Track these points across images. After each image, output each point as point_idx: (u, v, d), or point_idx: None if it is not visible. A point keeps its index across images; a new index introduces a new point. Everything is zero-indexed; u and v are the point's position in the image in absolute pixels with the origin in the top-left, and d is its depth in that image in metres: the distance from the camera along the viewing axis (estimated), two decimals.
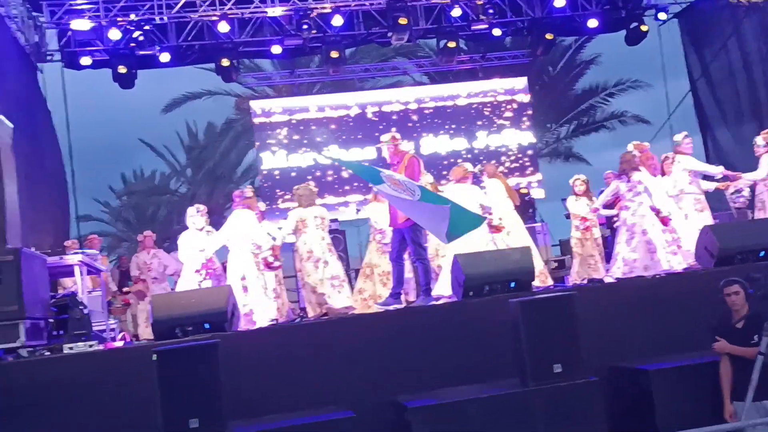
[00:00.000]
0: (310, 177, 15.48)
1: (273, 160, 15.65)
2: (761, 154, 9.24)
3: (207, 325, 6.62)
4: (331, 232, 11.34)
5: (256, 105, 16.62)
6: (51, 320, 7.12)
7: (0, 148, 6.74)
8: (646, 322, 6.41)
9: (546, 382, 5.57)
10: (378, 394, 6.05)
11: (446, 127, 16.30)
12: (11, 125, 7.16)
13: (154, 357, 5.39)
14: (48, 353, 6.81)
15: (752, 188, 9.45)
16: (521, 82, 16.66)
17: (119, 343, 8.01)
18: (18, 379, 6.10)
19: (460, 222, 6.95)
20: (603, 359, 6.06)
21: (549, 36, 15.41)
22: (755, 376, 5.16)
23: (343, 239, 11.74)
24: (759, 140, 9.35)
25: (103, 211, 32.24)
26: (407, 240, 7.77)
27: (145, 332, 10.62)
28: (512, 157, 16.36)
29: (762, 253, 7.21)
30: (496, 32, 15.15)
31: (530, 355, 5.61)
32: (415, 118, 16.26)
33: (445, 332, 6.55)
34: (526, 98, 16.60)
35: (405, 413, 5.51)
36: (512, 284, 6.97)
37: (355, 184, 15.66)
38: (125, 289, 11.72)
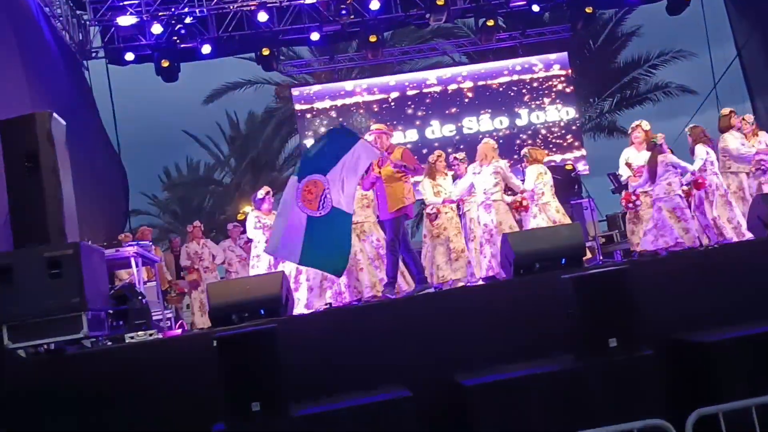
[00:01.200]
0: None
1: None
2: None
3: (262, 311, 6.74)
4: None
5: (296, 92, 16.70)
6: (111, 311, 7.31)
7: (56, 145, 6.90)
8: (702, 293, 6.33)
9: (602, 357, 5.56)
10: (434, 372, 6.09)
11: (487, 106, 16.20)
12: (64, 123, 7.33)
13: (215, 343, 5.51)
14: (110, 343, 7.02)
15: None
16: (562, 57, 16.50)
17: (177, 331, 8.20)
18: (83, 370, 6.28)
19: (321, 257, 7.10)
20: (660, 332, 6.00)
21: (589, 9, 15.27)
22: None
23: None
24: None
25: (150, 203, 32.77)
26: (386, 229, 7.79)
27: (200, 321, 10.85)
28: (556, 134, 16.21)
29: None
30: (535, 8, 15.07)
31: (585, 331, 5.60)
32: (456, 98, 16.19)
33: (498, 310, 6.55)
34: (567, 73, 16.42)
35: (461, 391, 5.55)
36: (563, 261, 6.96)
37: None
38: (177, 281, 11.96)
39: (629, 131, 9.60)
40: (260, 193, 9.35)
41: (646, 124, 9.41)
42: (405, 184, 7.96)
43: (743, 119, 9.61)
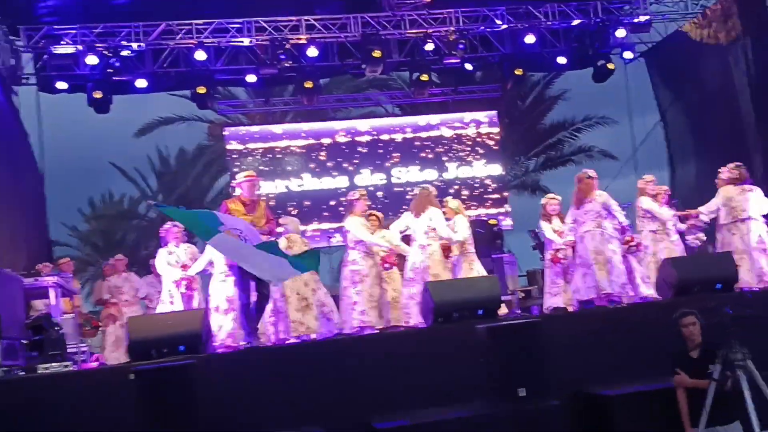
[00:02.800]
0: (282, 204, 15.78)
1: None
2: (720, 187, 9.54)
3: (182, 347, 6.75)
4: None
5: (228, 131, 16.78)
6: (26, 341, 7.21)
7: None
8: (609, 349, 6.67)
9: (511, 405, 5.79)
10: (350, 415, 6.22)
11: (417, 158, 16.59)
12: None
13: (132, 376, 5.52)
14: (23, 373, 6.91)
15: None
16: (492, 115, 17.00)
17: (94, 364, 8.10)
18: None
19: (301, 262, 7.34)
20: (567, 384, 6.29)
21: (518, 71, 15.82)
22: (708, 402, 5.43)
23: None
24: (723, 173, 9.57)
25: (71, 235, 32.00)
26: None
27: (111, 356, 10.58)
28: (481, 189, 16.65)
29: (718, 285, 7.53)
30: (468, 67, 15.56)
31: (496, 379, 5.84)
32: (387, 148, 16.52)
33: (415, 356, 6.75)
34: (495, 131, 16.96)
35: None
36: (480, 311, 7.20)
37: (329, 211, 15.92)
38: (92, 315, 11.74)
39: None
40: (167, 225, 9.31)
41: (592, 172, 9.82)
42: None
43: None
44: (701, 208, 9.25)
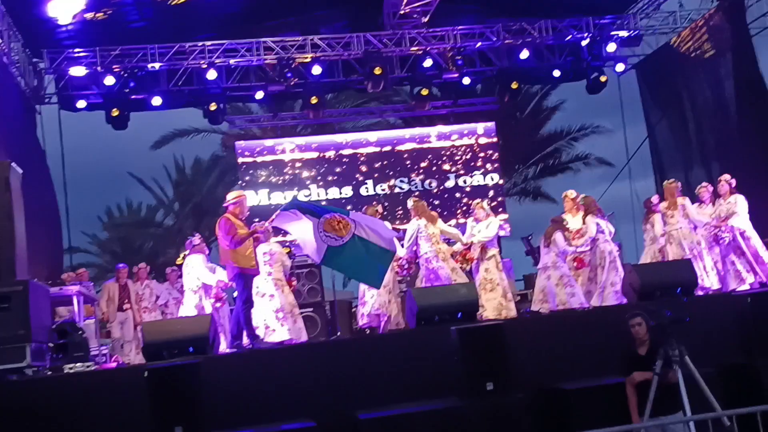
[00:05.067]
0: None
1: (255, 197, 16.61)
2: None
3: (191, 349, 7.55)
4: (306, 266, 12.38)
5: (240, 144, 17.62)
6: (52, 344, 8.02)
7: (12, 192, 7.70)
8: (569, 348, 7.40)
9: (480, 399, 6.54)
10: (338, 408, 6.97)
11: (419, 168, 17.33)
12: (21, 171, 8.14)
13: (146, 374, 6.32)
14: (50, 373, 7.72)
15: None
16: (490, 126, 17.70)
17: (113, 364, 8.92)
18: (24, 396, 6.98)
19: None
20: (531, 379, 7.03)
21: (514, 85, 16.60)
22: (652, 395, 6.14)
23: (318, 272, 12.66)
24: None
25: (90, 242, 33.00)
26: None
27: (136, 359, 11.46)
28: (480, 198, 17.32)
29: (678, 290, 8.25)
30: (466, 81, 16.37)
31: (466, 375, 6.59)
32: (390, 159, 17.28)
33: (399, 356, 7.51)
34: (494, 141, 17.69)
35: (358, 424, 6.46)
36: (459, 315, 7.96)
37: None
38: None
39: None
40: (196, 240, 10.20)
41: (571, 193, 10.65)
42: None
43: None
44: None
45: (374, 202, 11.67)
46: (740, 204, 10.24)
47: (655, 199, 11.08)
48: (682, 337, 6.01)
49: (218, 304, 9.76)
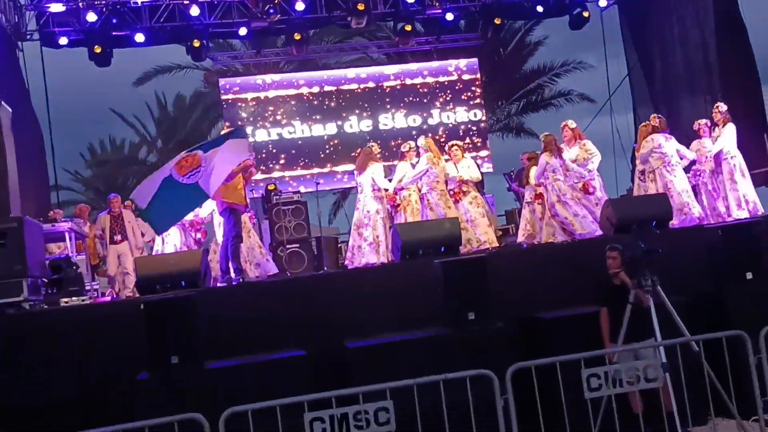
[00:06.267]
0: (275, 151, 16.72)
1: None
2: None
3: (183, 283, 7.81)
4: (293, 202, 12.63)
5: (222, 82, 17.62)
6: (47, 279, 8.25)
7: (2, 130, 7.83)
8: (547, 279, 7.73)
9: (462, 327, 6.86)
10: (327, 338, 7.29)
11: (402, 105, 17.43)
12: (10, 110, 8.25)
13: (142, 306, 6.58)
14: (46, 307, 7.98)
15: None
16: (473, 62, 17.80)
17: (107, 298, 9.18)
18: (23, 328, 7.24)
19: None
20: (511, 310, 7.36)
21: (497, 21, 16.60)
22: (625, 322, 6.47)
23: (305, 209, 12.88)
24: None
25: (73, 179, 33.00)
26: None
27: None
28: (462, 134, 17.54)
29: (654, 223, 8.55)
30: (449, 16, 16.32)
31: (449, 306, 6.90)
32: (373, 96, 17.36)
33: (386, 288, 7.82)
34: (477, 77, 17.78)
35: (346, 352, 6.78)
36: (443, 249, 8.24)
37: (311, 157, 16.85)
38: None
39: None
40: None
41: (572, 123, 10.86)
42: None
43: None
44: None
45: (370, 143, 11.85)
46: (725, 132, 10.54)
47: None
48: (655, 268, 6.30)
49: (198, 235, 10.05)
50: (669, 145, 10.37)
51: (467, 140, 17.33)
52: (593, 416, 5.93)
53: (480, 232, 10.24)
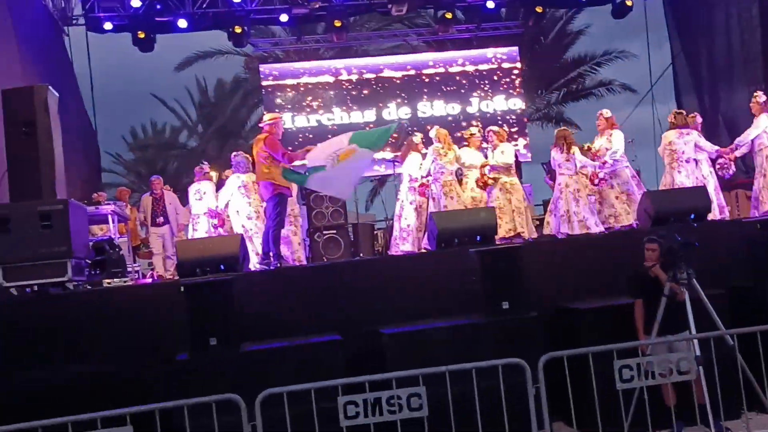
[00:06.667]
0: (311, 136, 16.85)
1: None
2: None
3: (222, 267, 7.96)
4: None
5: (264, 68, 17.77)
6: (90, 260, 8.46)
7: (50, 114, 8.02)
8: (581, 270, 7.74)
9: (496, 316, 6.91)
10: (362, 324, 7.38)
11: (441, 92, 17.42)
12: (57, 95, 8.43)
13: (182, 289, 6.74)
14: (89, 287, 8.19)
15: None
16: (514, 51, 17.70)
17: (149, 280, 9.39)
18: (67, 307, 7.45)
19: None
20: (544, 299, 7.39)
21: (539, 9, 16.51)
22: (660, 314, 6.47)
23: None
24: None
25: (115, 162, 33.51)
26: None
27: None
28: (502, 122, 17.48)
29: (692, 216, 8.50)
30: (490, 4, 16.31)
31: (483, 295, 6.95)
32: (412, 83, 17.38)
33: (421, 276, 7.88)
34: (517, 66, 17.69)
35: (381, 338, 6.87)
36: (478, 238, 8.28)
37: None
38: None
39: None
40: (207, 167, 10.87)
41: (607, 112, 10.74)
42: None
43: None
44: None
45: (414, 132, 11.87)
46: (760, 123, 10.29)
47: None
48: (692, 261, 6.28)
49: (215, 221, 10.33)
50: (682, 141, 10.17)
51: (507, 129, 17.23)
52: (625, 407, 5.95)
53: (506, 220, 10.21)
